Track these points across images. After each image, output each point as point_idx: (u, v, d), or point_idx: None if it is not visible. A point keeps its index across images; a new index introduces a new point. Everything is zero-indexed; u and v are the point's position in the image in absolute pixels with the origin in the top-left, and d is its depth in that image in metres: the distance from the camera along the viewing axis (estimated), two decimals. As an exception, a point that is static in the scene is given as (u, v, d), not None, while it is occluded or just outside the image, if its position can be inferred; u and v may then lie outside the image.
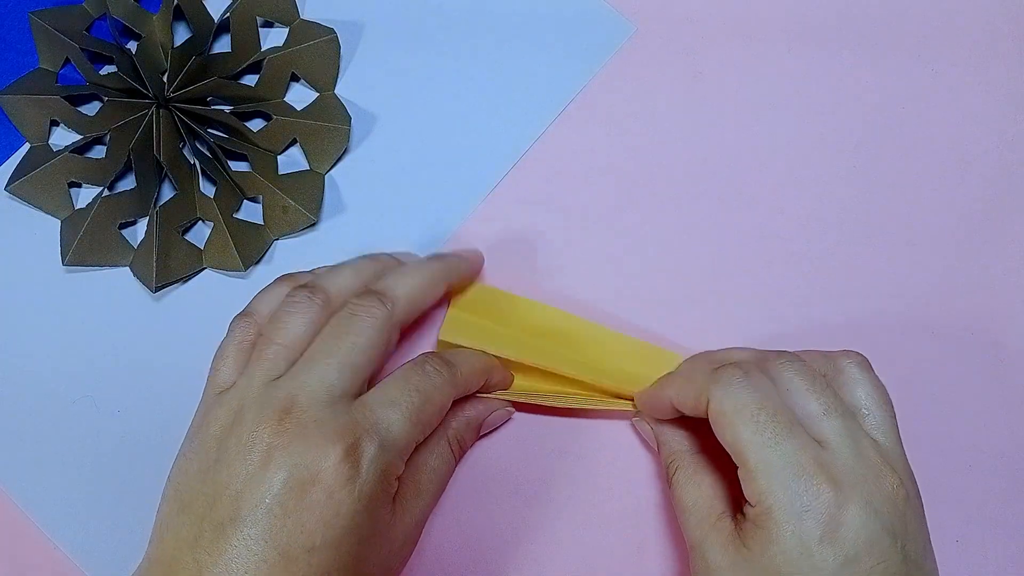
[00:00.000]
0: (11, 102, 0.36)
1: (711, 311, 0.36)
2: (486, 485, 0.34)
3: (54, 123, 0.37)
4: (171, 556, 0.26)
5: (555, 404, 0.33)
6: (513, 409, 0.34)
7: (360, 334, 0.28)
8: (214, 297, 0.36)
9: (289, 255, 0.37)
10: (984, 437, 0.35)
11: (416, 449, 0.29)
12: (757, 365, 0.29)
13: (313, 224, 0.36)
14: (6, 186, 0.36)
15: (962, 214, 0.38)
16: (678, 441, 0.32)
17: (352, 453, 0.26)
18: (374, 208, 0.37)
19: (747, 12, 0.39)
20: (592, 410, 0.34)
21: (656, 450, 0.33)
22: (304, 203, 0.36)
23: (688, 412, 0.30)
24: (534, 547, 0.34)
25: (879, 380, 0.29)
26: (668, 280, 0.37)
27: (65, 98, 0.37)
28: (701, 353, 0.34)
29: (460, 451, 0.32)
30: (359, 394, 0.28)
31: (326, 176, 0.37)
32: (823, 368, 0.30)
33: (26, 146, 0.37)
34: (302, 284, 0.31)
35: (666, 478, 0.32)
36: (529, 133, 0.38)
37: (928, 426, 0.35)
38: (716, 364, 0.29)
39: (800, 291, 0.37)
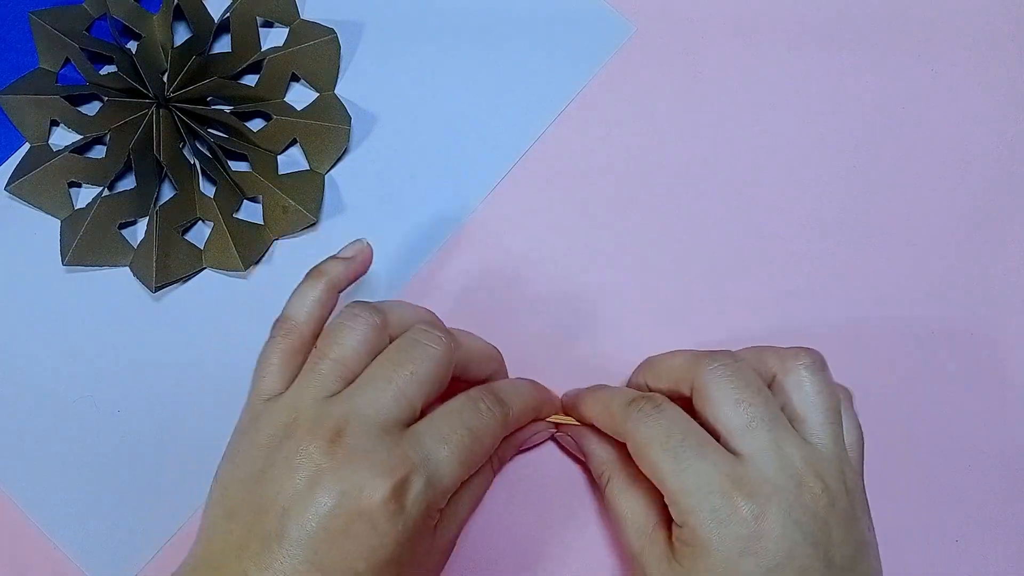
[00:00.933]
0: (11, 102, 0.36)
1: (709, 309, 0.36)
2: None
3: (54, 123, 0.37)
4: (219, 560, 0.26)
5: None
6: (554, 427, 0.34)
7: (421, 363, 0.28)
8: (214, 297, 0.36)
9: (289, 255, 0.37)
10: (984, 437, 0.35)
11: None
12: (690, 372, 0.29)
13: (313, 224, 0.36)
14: (6, 186, 0.36)
15: (962, 214, 0.38)
16: (607, 452, 0.32)
17: (400, 489, 0.26)
18: (374, 208, 0.37)
19: (747, 12, 0.39)
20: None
21: (583, 459, 0.33)
22: (304, 203, 0.36)
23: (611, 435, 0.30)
24: (537, 547, 0.34)
25: (827, 381, 0.29)
26: (667, 279, 0.37)
27: (65, 98, 0.37)
28: (647, 360, 0.33)
29: (500, 467, 0.33)
30: (410, 423, 0.28)
31: (326, 176, 0.37)
32: (773, 367, 0.29)
33: (26, 146, 0.37)
34: (361, 302, 0.30)
35: (598, 487, 0.32)
36: (529, 133, 0.38)
37: (928, 426, 0.35)
38: (655, 380, 0.31)
39: (799, 291, 0.37)
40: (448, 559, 0.30)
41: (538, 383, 0.33)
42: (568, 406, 0.33)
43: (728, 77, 0.39)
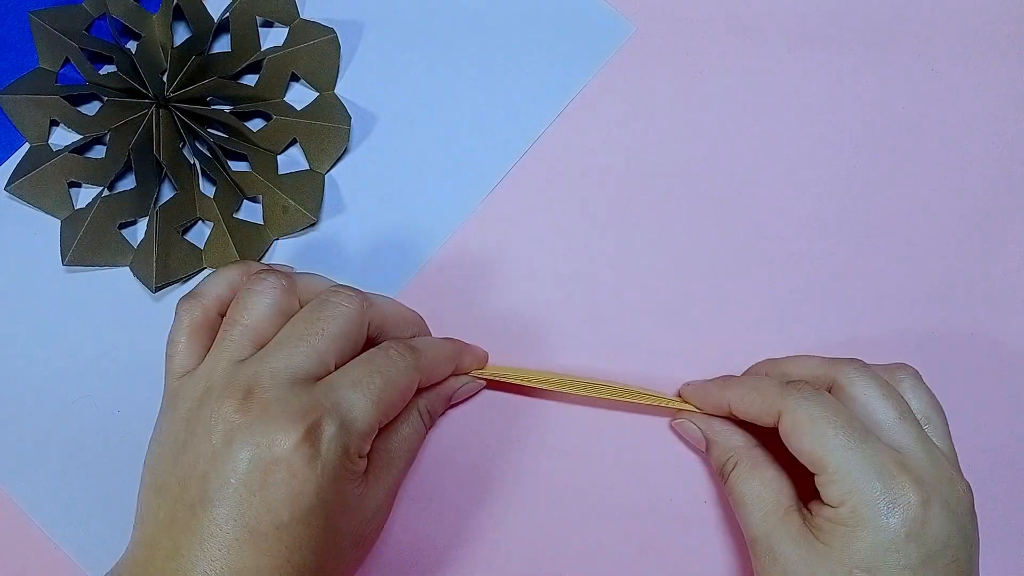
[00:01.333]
0: (11, 102, 0.36)
1: (710, 309, 0.36)
2: (483, 483, 0.34)
3: (54, 123, 0.37)
4: (151, 538, 0.27)
5: (533, 384, 0.33)
6: (484, 382, 0.34)
7: (332, 321, 0.28)
8: (214, 297, 0.36)
9: (289, 255, 0.37)
10: (985, 438, 0.35)
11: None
12: (827, 372, 0.31)
13: (313, 224, 0.36)
14: (6, 186, 0.36)
15: (962, 214, 0.38)
16: (735, 437, 0.32)
17: (313, 433, 0.26)
18: (374, 208, 0.37)
19: (747, 12, 0.39)
20: (621, 402, 0.34)
21: (704, 449, 0.33)
22: (304, 203, 0.36)
23: (746, 419, 0.31)
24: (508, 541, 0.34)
25: (932, 392, 0.31)
26: (667, 279, 0.37)
27: (65, 98, 0.37)
28: (765, 361, 0.35)
29: (431, 420, 0.33)
30: (323, 377, 0.28)
31: (326, 176, 0.37)
32: (885, 377, 0.31)
33: (26, 146, 0.37)
34: (268, 268, 0.31)
35: (719, 476, 0.32)
36: (529, 133, 0.38)
37: None
38: (785, 378, 0.31)
39: (800, 291, 0.37)
40: (385, 520, 0.31)
41: (455, 339, 0.34)
42: (695, 394, 0.33)
43: (728, 77, 0.39)
